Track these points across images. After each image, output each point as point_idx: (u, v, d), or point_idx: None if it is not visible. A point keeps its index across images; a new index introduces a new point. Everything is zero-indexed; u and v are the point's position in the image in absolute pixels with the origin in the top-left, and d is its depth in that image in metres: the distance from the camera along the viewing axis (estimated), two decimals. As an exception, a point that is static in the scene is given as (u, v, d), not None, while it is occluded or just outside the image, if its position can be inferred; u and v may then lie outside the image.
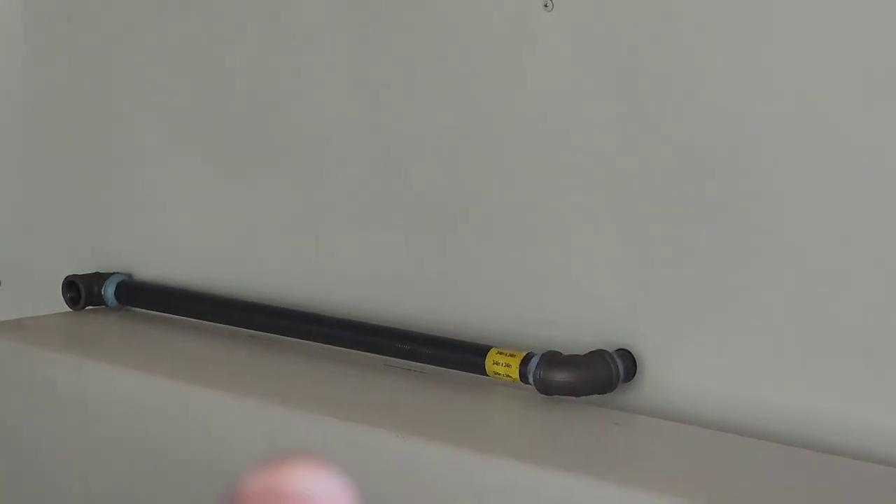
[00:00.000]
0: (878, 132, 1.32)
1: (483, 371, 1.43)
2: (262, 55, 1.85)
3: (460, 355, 1.49)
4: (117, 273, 1.86)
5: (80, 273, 1.87)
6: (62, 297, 1.86)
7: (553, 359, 1.37)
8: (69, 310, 1.85)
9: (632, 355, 1.39)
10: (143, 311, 1.85)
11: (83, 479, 1.71)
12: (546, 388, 1.37)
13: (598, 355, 1.37)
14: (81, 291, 1.82)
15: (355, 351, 1.62)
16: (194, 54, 1.93)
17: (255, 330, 1.73)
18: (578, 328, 1.45)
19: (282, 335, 1.71)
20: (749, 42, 1.39)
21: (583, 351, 1.39)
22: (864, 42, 1.34)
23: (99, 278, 1.84)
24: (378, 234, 1.73)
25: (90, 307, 1.84)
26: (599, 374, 1.37)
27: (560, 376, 1.37)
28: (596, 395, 1.38)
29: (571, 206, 1.51)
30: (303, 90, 1.81)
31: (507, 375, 1.40)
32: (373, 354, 1.60)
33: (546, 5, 1.45)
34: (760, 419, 1.36)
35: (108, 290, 1.82)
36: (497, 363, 1.41)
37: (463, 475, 1.32)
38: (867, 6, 1.33)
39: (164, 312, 1.84)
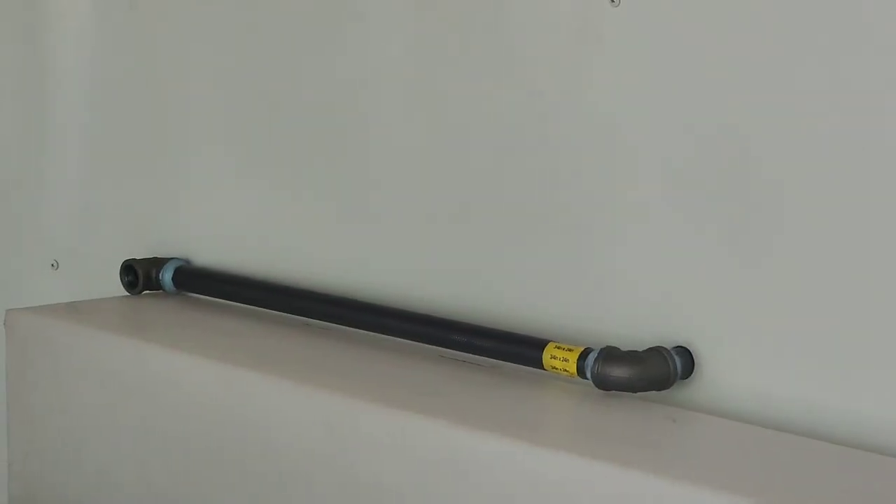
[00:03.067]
0: None
1: (540, 365, 1.43)
2: (322, 52, 1.84)
3: (517, 348, 1.48)
4: (175, 258, 1.89)
5: (138, 257, 1.89)
6: (120, 280, 1.88)
7: (611, 354, 1.37)
8: (126, 294, 1.88)
9: (690, 353, 1.39)
10: (201, 296, 1.88)
11: (138, 460, 1.72)
12: (604, 384, 1.37)
13: (657, 352, 1.37)
14: (139, 276, 1.85)
15: (410, 341, 1.61)
16: (256, 45, 1.93)
17: (312, 318, 1.73)
18: (637, 325, 1.46)
19: (338, 324, 1.71)
20: (807, 44, 1.38)
21: (641, 347, 1.39)
22: None
23: (157, 263, 1.86)
24: (435, 229, 1.74)
25: (147, 292, 1.86)
26: (657, 370, 1.37)
27: (618, 372, 1.37)
28: (653, 392, 1.38)
29: (633, 204, 1.51)
30: (362, 87, 1.82)
31: (565, 370, 1.40)
32: (428, 345, 1.59)
33: (612, 0, 1.46)
34: (820, 421, 1.35)
35: (166, 275, 1.85)
36: (555, 357, 1.41)
37: (518, 468, 1.30)
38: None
39: (221, 299, 1.86)
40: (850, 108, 1.39)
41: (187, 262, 1.90)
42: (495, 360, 1.53)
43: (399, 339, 1.65)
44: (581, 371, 1.39)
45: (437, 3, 1.73)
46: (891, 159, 1.37)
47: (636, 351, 1.40)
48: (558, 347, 1.43)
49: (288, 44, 1.92)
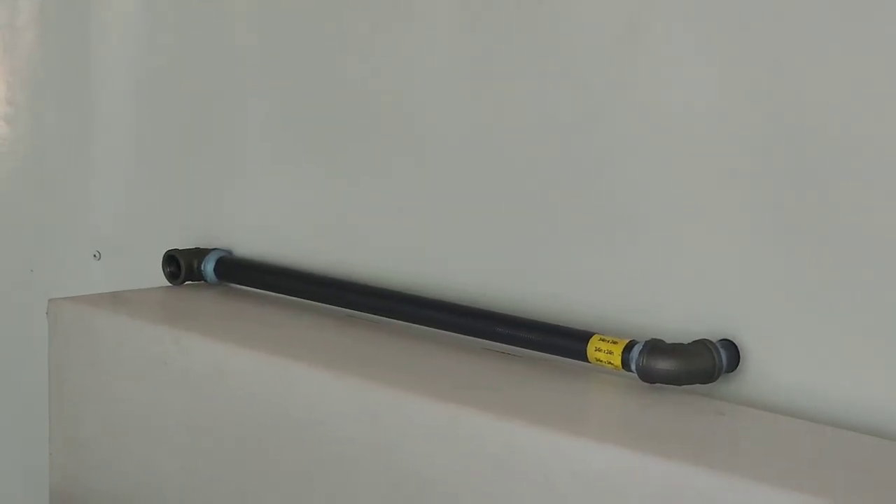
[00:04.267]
0: None
1: (584, 357, 1.43)
2: (372, 41, 1.85)
3: (562, 341, 1.48)
4: (217, 249, 1.89)
5: (180, 248, 1.90)
6: (162, 271, 1.89)
7: (656, 347, 1.37)
8: (168, 284, 1.90)
9: (735, 346, 1.39)
10: (243, 287, 1.89)
11: (180, 450, 1.73)
12: (649, 376, 1.37)
13: (702, 345, 1.37)
14: (181, 266, 1.86)
15: (453, 333, 1.62)
16: (303, 41, 1.92)
17: (354, 310, 1.74)
18: (682, 317, 1.46)
19: (381, 316, 1.72)
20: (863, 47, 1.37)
21: (686, 340, 1.39)
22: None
23: (199, 254, 1.88)
24: (482, 221, 1.73)
25: (189, 282, 1.88)
26: (703, 363, 1.37)
27: (663, 364, 1.37)
28: (698, 385, 1.38)
29: (681, 198, 1.51)
30: (411, 81, 1.82)
31: (609, 362, 1.40)
32: (472, 338, 1.59)
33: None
34: (868, 416, 1.35)
35: (208, 266, 1.87)
36: (599, 350, 1.41)
37: (564, 460, 1.31)
38: None
39: (263, 289, 1.86)
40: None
41: (229, 252, 1.91)
42: (540, 353, 1.53)
43: (442, 332, 1.65)
44: (626, 364, 1.39)
45: None
46: None
47: (681, 343, 1.40)
48: (603, 340, 1.42)
49: (336, 32, 1.90)
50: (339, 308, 1.76)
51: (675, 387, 1.39)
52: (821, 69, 1.42)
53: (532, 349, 1.53)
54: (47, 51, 2.17)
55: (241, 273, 1.88)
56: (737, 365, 1.40)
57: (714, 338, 1.40)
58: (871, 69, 1.40)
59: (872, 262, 1.36)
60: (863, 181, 1.37)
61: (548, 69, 1.64)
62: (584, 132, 1.60)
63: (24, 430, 2.01)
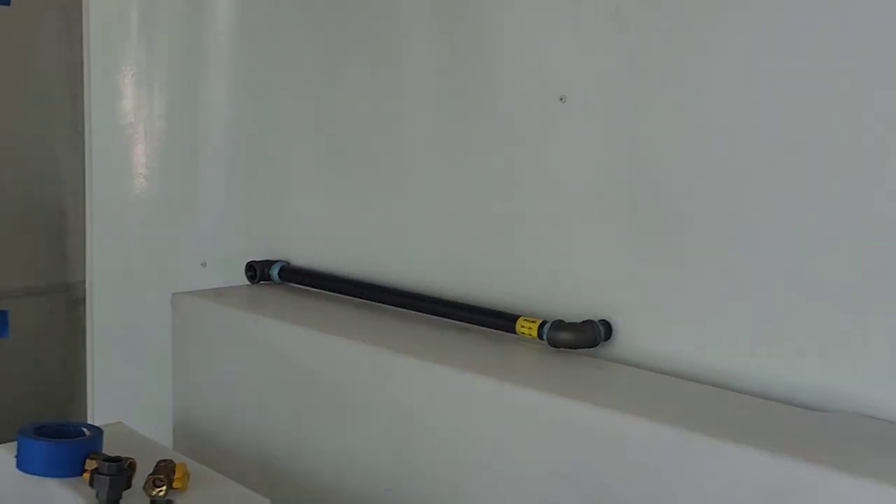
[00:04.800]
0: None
1: (514, 331, 1.53)
2: (378, 110, 1.82)
3: (501, 320, 1.56)
4: (280, 261, 1.94)
5: (256, 259, 1.94)
6: (245, 275, 1.95)
7: (559, 325, 1.47)
8: (248, 283, 1.95)
9: (610, 324, 1.48)
10: (296, 285, 1.92)
11: (257, 389, 1.78)
12: (554, 344, 1.47)
13: (589, 323, 1.47)
14: (257, 272, 1.92)
15: (432, 316, 1.68)
16: (345, 107, 1.88)
17: (367, 300, 1.80)
18: (576, 306, 1.52)
19: (385, 304, 1.77)
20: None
21: (578, 320, 1.49)
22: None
23: (268, 263, 1.93)
24: (454, 244, 1.73)
25: (262, 282, 1.93)
26: (589, 335, 1.47)
27: (563, 336, 1.47)
28: (586, 349, 1.48)
29: (577, 232, 1.56)
30: (410, 139, 1.79)
31: (529, 335, 1.50)
32: (445, 319, 1.66)
33: (562, 98, 1.54)
34: (696, 369, 1.43)
35: (274, 272, 1.91)
36: (523, 326, 1.51)
37: (500, 393, 1.40)
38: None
39: (309, 287, 1.90)
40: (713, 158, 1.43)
41: (287, 263, 1.94)
42: (487, 328, 1.60)
43: (425, 314, 1.70)
44: (540, 335, 1.48)
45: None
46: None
47: (575, 322, 1.48)
48: (525, 320, 1.51)
49: (366, 100, 1.85)
50: (357, 299, 1.82)
51: (571, 350, 1.48)
52: (660, 146, 1.48)
53: (482, 326, 1.61)
54: (171, 131, 2.09)
55: (295, 276, 1.93)
56: (610, 336, 1.49)
57: (596, 318, 1.49)
58: (690, 150, 1.45)
59: (695, 273, 1.43)
60: (690, 221, 1.43)
61: (489, 144, 1.67)
62: (512, 182, 1.64)
63: (157, 379, 1.99)
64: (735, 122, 1.40)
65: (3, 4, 2.00)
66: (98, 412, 2.07)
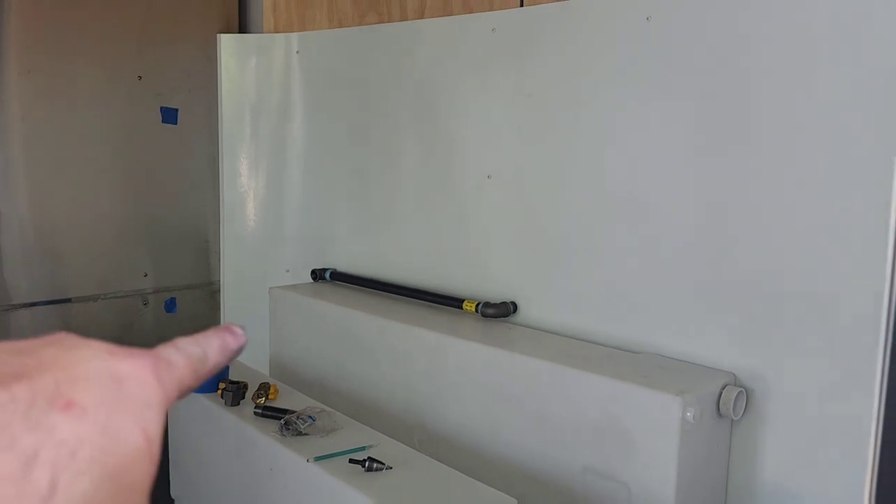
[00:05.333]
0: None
1: (461, 308, 1.63)
2: (387, 171, 1.79)
3: (454, 302, 1.65)
4: (331, 268, 1.98)
5: (316, 267, 2.00)
6: (311, 276, 1.99)
7: (487, 304, 1.59)
8: (312, 282, 1.98)
9: (516, 304, 1.58)
10: (342, 283, 1.94)
11: (321, 346, 1.81)
12: (485, 315, 1.58)
13: (504, 303, 1.58)
14: (318, 275, 1.97)
15: (419, 300, 1.70)
16: (374, 168, 1.83)
17: (384, 291, 1.80)
18: (497, 293, 1.61)
19: (393, 294, 1.78)
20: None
21: (498, 301, 1.59)
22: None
23: (324, 270, 1.97)
24: (430, 258, 1.70)
25: (321, 281, 1.97)
26: (504, 310, 1.57)
27: (489, 311, 1.58)
28: (503, 318, 1.58)
29: (497, 248, 1.59)
30: (403, 197, 1.75)
31: (471, 310, 1.60)
32: (426, 302, 1.70)
33: (489, 176, 1.59)
34: (568, 330, 1.48)
35: (328, 274, 1.96)
36: (467, 305, 1.61)
37: (451, 345, 1.47)
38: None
39: (349, 284, 1.92)
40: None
41: (335, 269, 1.96)
42: (447, 307, 1.65)
43: (416, 299, 1.72)
44: (476, 310, 1.58)
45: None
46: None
47: (496, 302, 1.58)
48: (468, 301, 1.61)
49: (385, 157, 1.78)
50: (377, 290, 1.83)
51: (494, 319, 1.57)
52: (544, 201, 1.47)
53: (443, 305, 1.67)
54: (268, 193, 2.04)
55: (339, 277, 1.93)
56: (516, 310, 1.57)
57: (508, 300, 1.58)
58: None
59: (565, 274, 1.47)
60: (562, 244, 1.46)
61: (439, 202, 1.68)
62: (461, 221, 1.65)
63: (262, 337, 1.95)
64: (590, 185, 1.40)
65: (172, 124, 2.08)
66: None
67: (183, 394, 0.24)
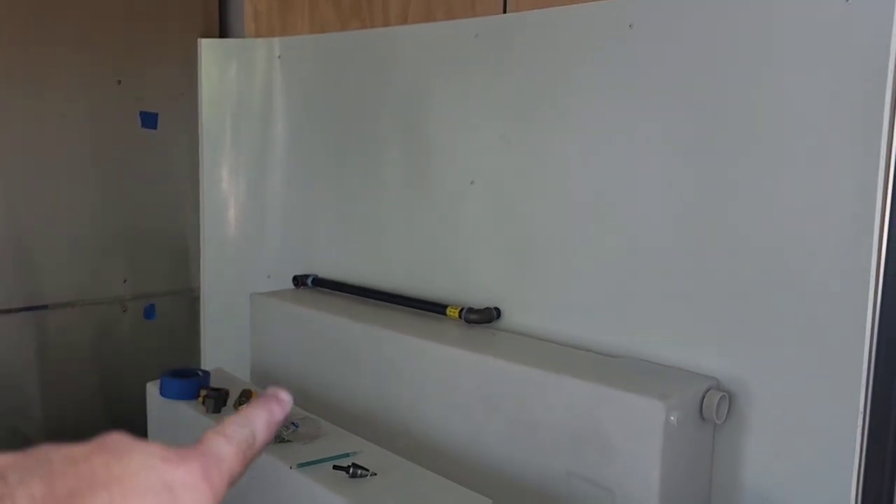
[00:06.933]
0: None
1: (445, 314, 1.59)
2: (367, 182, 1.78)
3: (439, 308, 1.61)
4: (313, 274, 1.94)
5: (298, 274, 1.95)
6: (292, 282, 1.95)
7: (471, 310, 1.56)
8: (294, 288, 1.95)
9: (500, 310, 1.55)
10: (323, 290, 1.90)
11: (304, 350, 1.74)
12: (468, 321, 1.55)
13: (487, 309, 1.55)
14: (299, 281, 1.93)
15: (403, 307, 1.69)
16: (348, 177, 1.82)
17: (367, 297, 1.79)
18: (481, 300, 1.58)
19: (377, 300, 1.76)
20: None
21: (482, 307, 1.56)
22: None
23: (306, 276, 1.94)
24: (415, 267, 1.68)
25: (303, 287, 1.93)
26: (488, 316, 1.55)
27: (473, 317, 1.55)
28: (486, 324, 1.54)
29: (481, 255, 1.57)
30: (383, 207, 1.74)
31: (454, 316, 1.57)
32: (410, 308, 1.67)
33: (472, 182, 1.57)
34: (549, 336, 1.46)
35: (309, 281, 1.92)
36: (451, 311, 1.58)
37: (435, 350, 1.44)
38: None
39: (331, 290, 1.88)
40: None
41: (316, 276, 1.92)
42: (432, 313, 1.61)
43: (400, 306, 1.70)
44: (461, 316, 1.55)
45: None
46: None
47: (480, 308, 1.55)
48: (452, 308, 1.58)
49: (362, 171, 1.77)
50: (359, 297, 1.80)
51: (478, 325, 1.54)
52: (525, 210, 1.47)
53: (428, 311, 1.63)
54: (249, 200, 2.00)
55: (321, 284, 1.90)
56: (500, 316, 1.55)
57: (491, 306, 1.55)
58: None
59: (545, 282, 1.46)
60: (542, 253, 1.45)
61: (425, 209, 1.67)
62: (445, 228, 1.62)
63: (243, 343, 1.91)
64: (573, 191, 1.39)
65: (152, 129, 2.03)
66: (207, 362, 2.04)
67: (233, 483, 0.25)
